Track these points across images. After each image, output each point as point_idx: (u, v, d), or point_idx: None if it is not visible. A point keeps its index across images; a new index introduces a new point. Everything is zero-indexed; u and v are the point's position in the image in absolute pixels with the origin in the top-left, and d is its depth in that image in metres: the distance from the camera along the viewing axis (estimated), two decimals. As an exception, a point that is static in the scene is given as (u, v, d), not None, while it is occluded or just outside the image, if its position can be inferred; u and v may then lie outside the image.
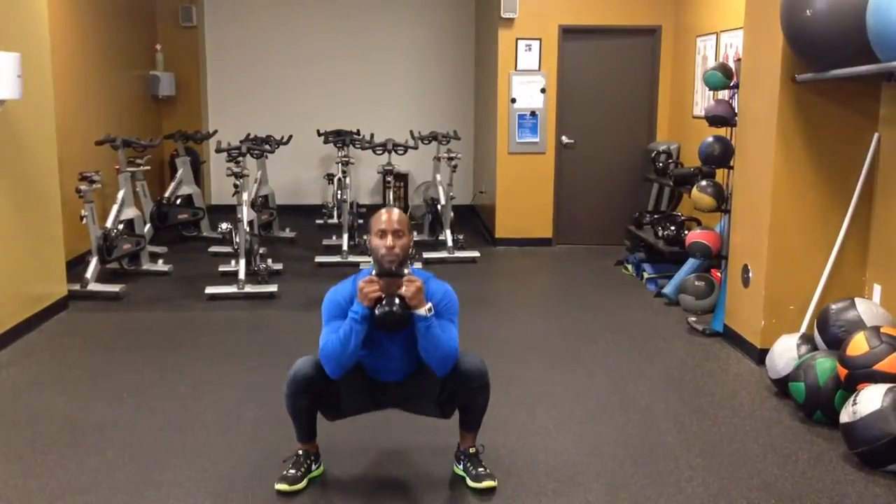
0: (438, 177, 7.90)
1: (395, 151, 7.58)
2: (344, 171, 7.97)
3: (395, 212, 3.14)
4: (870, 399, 3.38)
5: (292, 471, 3.22)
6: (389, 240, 3.06)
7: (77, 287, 6.02)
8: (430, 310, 3.00)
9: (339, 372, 3.08)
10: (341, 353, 3.02)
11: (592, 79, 8.19)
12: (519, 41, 8.00)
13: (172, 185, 8.22)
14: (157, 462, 3.45)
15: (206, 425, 3.84)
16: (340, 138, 8.27)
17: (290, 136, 8.39)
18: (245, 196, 6.61)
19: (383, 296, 3.00)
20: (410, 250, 3.16)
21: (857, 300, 4.12)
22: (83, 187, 6.13)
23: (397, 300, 2.98)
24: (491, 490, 3.19)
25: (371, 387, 3.24)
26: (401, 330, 3.04)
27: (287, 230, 8.52)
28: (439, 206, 7.78)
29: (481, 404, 3.22)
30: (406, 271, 3.06)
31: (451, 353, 3.05)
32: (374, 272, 3.07)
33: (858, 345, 3.63)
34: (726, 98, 5.87)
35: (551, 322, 5.77)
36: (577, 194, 8.29)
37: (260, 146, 7.55)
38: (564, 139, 8.19)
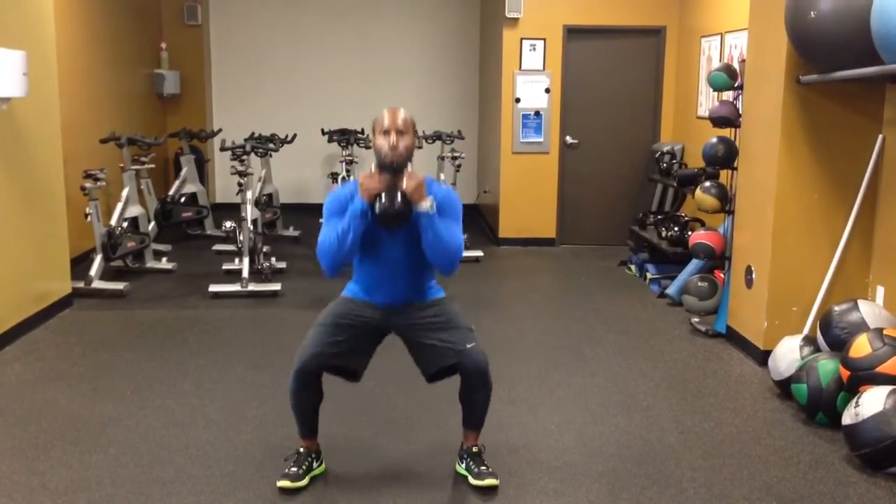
0: (442, 176, 7.90)
1: (399, 150, 7.57)
2: (348, 170, 7.97)
3: (400, 110, 3.12)
4: (872, 401, 3.38)
5: (294, 468, 3.23)
6: (393, 137, 3.03)
7: (81, 284, 6.04)
8: (431, 205, 2.98)
9: (333, 268, 3.08)
10: (339, 249, 3.02)
11: (596, 79, 8.18)
12: (523, 41, 8.00)
13: (177, 183, 8.23)
14: (160, 459, 3.46)
15: (209, 423, 3.85)
16: (344, 137, 8.28)
17: (295, 135, 8.40)
18: (249, 194, 6.62)
19: (384, 191, 2.98)
20: (413, 149, 3.11)
21: (861, 302, 4.12)
22: (88, 185, 6.14)
23: (398, 194, 2.96)
24: (493, 489, 3.19)
25: (370, 324, 3.19)
26: (401, 226, 3.02)
27: (291, 228, 8.52)
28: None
29: (482, 401, 3.22)
30: (409, 170, 3.04)
31: (454, 249, 3.04)
32: (375, 167, 3.06)
33: (861, 347, 3.62)
34: (730, 99, 5.87)
35: (554, 322, 5.77)
36: (581, 194, 8.29)
37: (264, 145, 7.56)
38: (568, 139, 8.19)
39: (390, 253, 3.14)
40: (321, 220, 3.16)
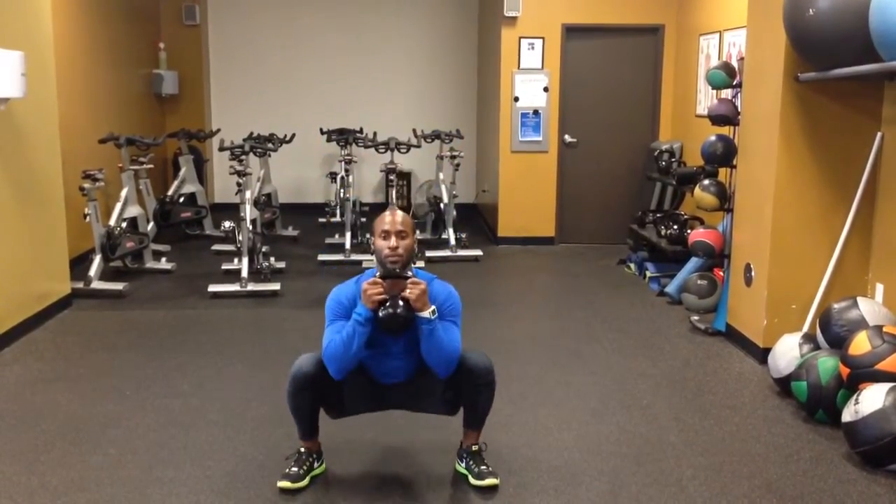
0: (441, 175, 7.90)
1: (398, 150, 7.58)
2: (347, 170, 7.97)
3: (399, 213, 3.14)
4: (872, 398, 3.38)
5: (294, 468, 3.23)
6: (393, 241, 3.06)
7: (80, 285, 6.04)
8: (433, 312, 3.01)
9: (342, 373, 3.09)
10: (344, 355, 3.03)
11: (595, 77, 8.18)
12: (522, 40, 8.00)
13: (175, 183, 8.23)
14: (159, 459, 3.46)
15: (208, 423, 3.85)
16: (343, 137, 8.28)
17: (293, 135, 8.40)
18: (248, 194, 6.61)
19: (387, 298, 3.00)
20: (414, 251, 3.16)
21: (860, 299, 4.12)
22: (86, 185, 6.14)
23: (401, 302, 2.98)
24: (493, 488, 3.20)
25: (374, 387, 3.25)
26: (405, 332, 3.05)
27: (290, 228, 8.53)
28: (442, 205, 7.78)
29: (486, 402, 3.22)
30: (410, 273, 3.06)
31: (453, 356, 3.07)
32: (377, 274, 3.07)
33: (861, 344, 3.63)
34: (729, 97, 5.87)
35: (553, 321, 5.77)
36: (580, 193, 8.29)
37: (263, 144, 7.56)
38: (567, 138, 8.19)
39: (391, 347, 3.16)
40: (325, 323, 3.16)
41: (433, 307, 3.02)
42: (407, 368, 3.21)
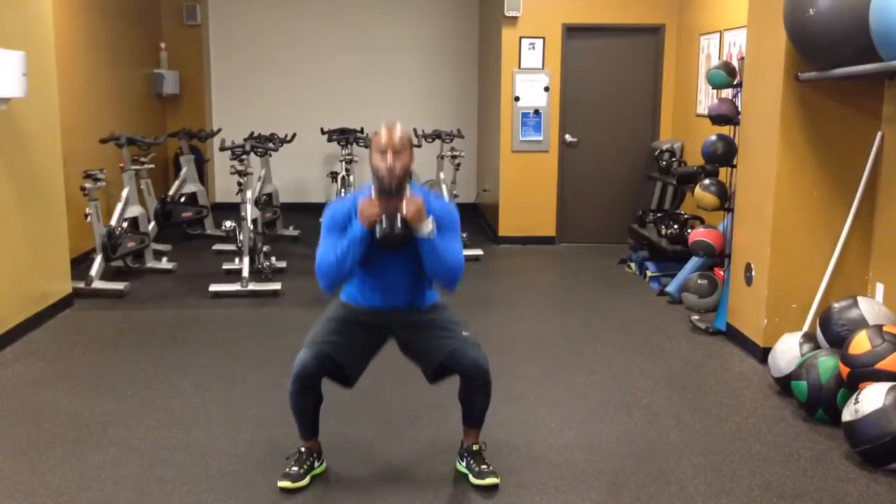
0: (442, 175, 7.90)
1: (399, 150, 7.57)
2: (347, 170, 7.98)
3: (397, 130, 3.07)
4: (872, 398, 3.39)
5: (295, 468, 3.23)
6: (390, 159, 3.01)
7: (81, 285, 6.04)
8: (432, 229, 2.98)
9: (331, 287, 3.09)
10: (337, 272, 3.03)
11: (596, 77, 8.18)
12: (522, 39, 8.00)
13: (176, 183, 8.23)
14: (160, 459, 3.47)
15: (209, 422, 3.86)
16: (344, 136, 8.28)
17: (294, 135, 8.40)
18: (249, 194, 6.62)
19: (383, 216, 2.98)
20: (411, 169, 3.10)
21: (860, 299, 4.12)
22: (88, 185, 6.15)
23: (398, 220, 2.96)
24: (493, 487, 3.20)
25: (370, 327, 3.20)
26: (402, 249, 3.03)
27: (291, 228, 8.53)
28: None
29: (480, 401, 3.22)
30: (407, 191, 3.03)
31: (456, 267, 3.05)
32: (373, 191, 3.05)
33: (861, 343, 3.63)
34: (730, 96, 5.87)
35: (554, 320, 5.78)
36: (581, 193, 8.30)
37: (264, 144, 7.56)
38: (568, 137, 8.19)
39: (390, 267, 3.14)
40: (320, 232, 3.17)
41: (432, 223, 2.99)
42: (407, 287, 3.17)
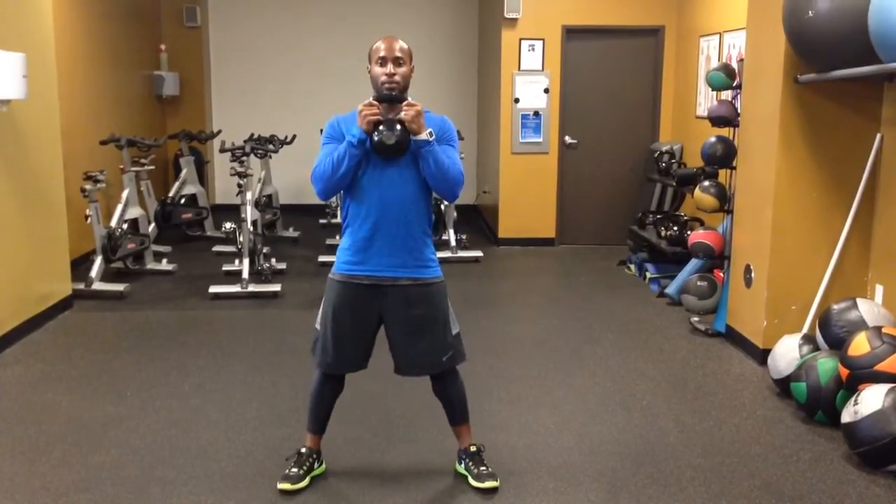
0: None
1: (399, 151, 7.58)
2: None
3: (397, 40, 3.08)
4: (871, 399, 3.39)
5: (295, 469, 3.23)
6: (390, 67, 3.01)
7: (81, 286, 6.04)
8: (430, 134, 2.98)
9: (326, 193, 3.06)
10: (333, 174, 3.00)
11: (595, 79, 8.19)
12: (522, 41, 8.00)
13: (176, 184, 8.24)
14: (160, 460, 3.47)
15: (209, 423, 3.86)
16: (344, 138, 8.27)
17: (294, 136, 8.41)
18: (249, 195, 6.62)
19: (382, 120, 2.98)
20: (410, 79, 3.09)
21: (859, 300, 4.13)
22: (88, 187, 6.15)
23: (397, 125, 2.96)
24: (493, 490, 3.20)
25: (363, 310, 3.12)
26: (399, 156, 3.00)
27: (291, 230, 8.53)
28: (442, 206, 7.78)
29: (456, 392, 3.25)
30: (406, 98, 3.04)
31: (456, 175, 3.03)
32: (373, 97, 3.05)
33: (860, 345, 3.63)
34: (729, 98, 5.88)
35: (553, 322, 5.78)
36: (580, 194, 8.30)
37: (264, 146, 7.57)
38: (567, 139, 8.20)
39: (385, 185, 3.03)
40: (321, 142, 3.14)
41: (430, 129, 2.99)
42: (403, 216, 3.05)
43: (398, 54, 3.03)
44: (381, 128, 2.96)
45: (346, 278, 3.11)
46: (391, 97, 3.01)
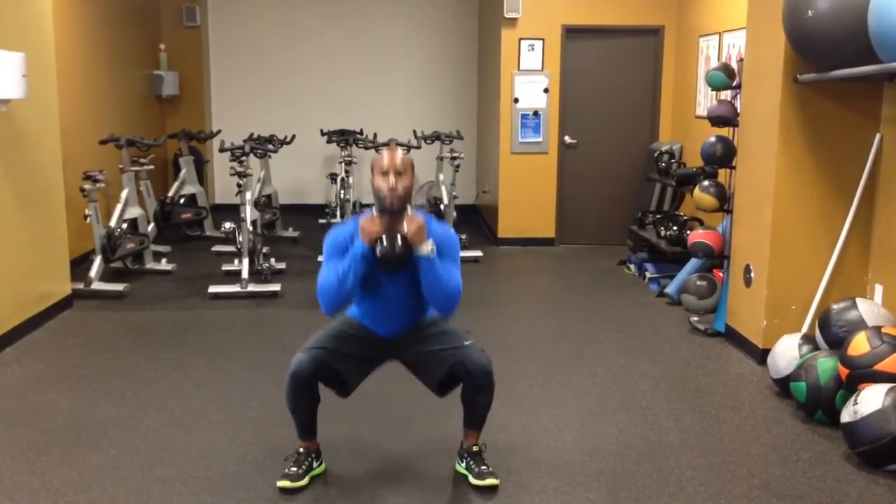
0: (441, 176, 7.91)
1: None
2: (347, 171, 7.98)
3: (399, 151, 3.12)
4: (871, 399, 3.39)
5: (294, 468, 3.24)
6: (392, 179, 3.04)
7: (81, 286, 6.04)
8: (431, 249, 3.00)
9: (334, 309, 3.10)
10: (338, 290, 3.03)
11: (595, 79, 8.19)
12: (522, 41, 8.00)
13: (176, 184, 8.23)
14: (160, 459, 3.47)
15: (209, 423, 3.86)
16: (343, 138, 8.29)
17: (294, 136, 8.41)
18: (248, 195, 6.62)
19: (384, 234, 3.00)
20: (412, 190, 3.13)
21: (859, 300, 4.13)
22: (87, 186, 6.15)
23: (399, 238, 2.98)
24: (493, 488, 3.20)
25: (373, 347, 3.23)
26: (402, 270, 3.04)
27: (290, 229, 8.54)
28: (442, 206, 7.78)
29: (483, 402, 3.23)
30: (408, 211, 3.06)
31: (454, 292, 3.06)
32: (375, 211, 3.07)
33: (860, 345, 3.63)
34: (729, 98, 5.88)
35: (553, 322, 5.78)
36: (580, 194, 8.30)
37: (263, 146, 7.57)
38: (567, 139, 8.20)
39: (390, 291, 3.16)
40: (321, 260, 3.20)
41: (432, 243, 3.01)
42: (406, 313, 3.19)
43: (399, 166, 3.06)
44: (383, 242, 2.99)
45: (360, 321, 3.27)
46: (393, 210, 3.04)
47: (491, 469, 3.25)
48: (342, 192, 8.05)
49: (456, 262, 3.15)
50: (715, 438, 3.74)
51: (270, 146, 7.81)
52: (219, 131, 8.69)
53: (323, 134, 8.67)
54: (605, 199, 8.32)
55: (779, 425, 3.90)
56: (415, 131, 7.99)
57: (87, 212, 6.14)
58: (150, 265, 6.93)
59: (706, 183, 5.55)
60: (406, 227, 2.99)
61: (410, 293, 3.13)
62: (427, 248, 2.99)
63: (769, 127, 4.64)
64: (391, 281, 3.13)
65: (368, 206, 8.73)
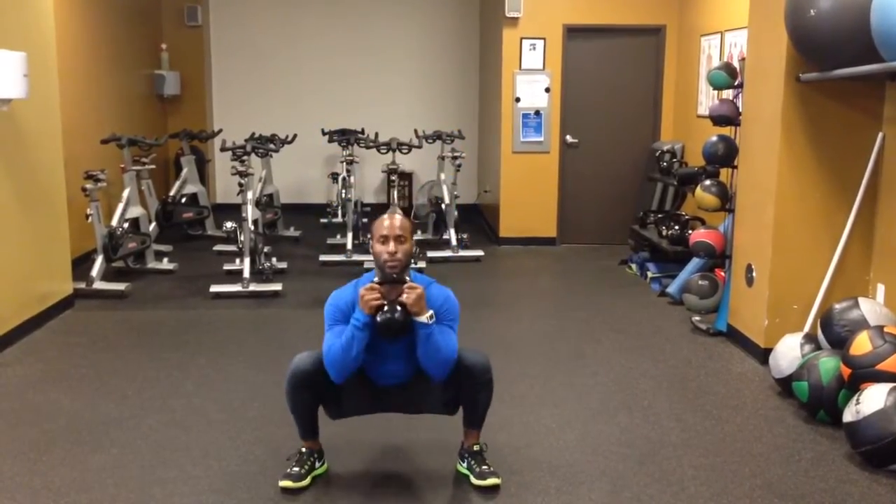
0: (443, 176, 7.91)
1: (400, 150, 7.59)
2: (348, 170, 7.98)
3: (398, 217, 3.14)
4: (873, 398, 3.39)
5: (296, 468, 3.23)
6: (392, 246, 3.05)
7: (82, 285, 6.04)
8: (431, 317, 3.02)
9: (342, 377, 3.10)
10: (344, 360, 3.04)
11: (597, 78, 8.19)
12: (523, 40, 8.00)
13: (177, 183, 8.23)
14: (161, 459, 3.47)
15: (210, 423, 3.86)
16: (345, 137, 8.28)
17: (295, 135, 8.40)
18: (250, 195, 6.63)
19: (385, 303, 3.01)
20: (414, 252, 3.17)
21: (861, 300, 4.13)
22: (89, 186, 6.15)
23: (399, 307, 2.99)
24: (494, 488, 3.20)
25: (372, 390, 3.26)
26: (402, 337, 3.05)
27: (292, 229, 8.53)
28: (443, 206, 7.78)
29: (484, 401, 3.23)
30: (407, 278, 3.07)
31: (449, 360, 3.07)
32: (375, 279, 3.08)
33: (862, 344, 3.63)
34: (730, 97, 5.87)
35: (555, 321, 5.78)
36: (581, 194, 8.30)
37: (265, 145, 7.57)
38: (568, 138, 8.19)
39: (390, 354, 3.16)
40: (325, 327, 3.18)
41: (431, 311, 3.03)
42: (404, 371, 3.21)
43: (399, 232, 3.07)
44: (384, 311, 2.99)
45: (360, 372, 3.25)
46: (393, 279, 3.04)
47: (492, 469, 3.25)
48: (343, 191, 8.04)
49: (454, 326, 3.15)
50: (717, 438, 3.74)
51: (272, 145, 7.81)
52: (220, 131, 8.70)
53: (324, 133, 8.67)
54: (607, 198, 8.32)
55: (781, 425, 3.89)
56: (416, 131, 7.99)
57: (88, 211, 6.14)
58: (152, 265, 6.93)
59: (708, 182, 5.55)
60: (406, 296, 2.99)
61: (410, 353, 3.13)
62: (426, 316, 3.01)
63: (771, 126, 4.63)
64: (391, 346, 3.13)
65: (368, 206, 8.78)
